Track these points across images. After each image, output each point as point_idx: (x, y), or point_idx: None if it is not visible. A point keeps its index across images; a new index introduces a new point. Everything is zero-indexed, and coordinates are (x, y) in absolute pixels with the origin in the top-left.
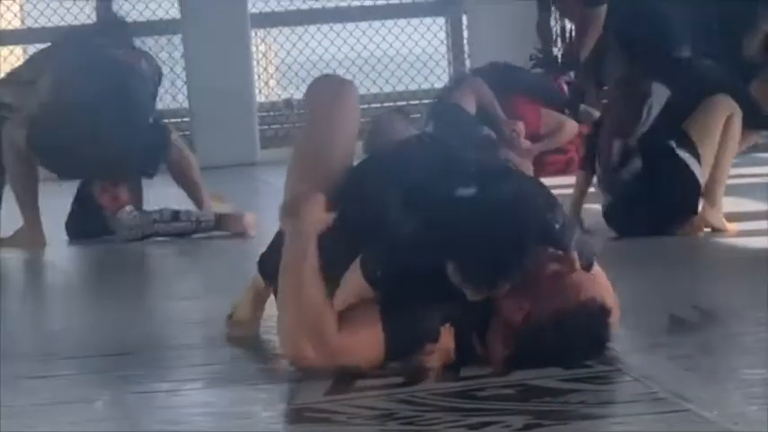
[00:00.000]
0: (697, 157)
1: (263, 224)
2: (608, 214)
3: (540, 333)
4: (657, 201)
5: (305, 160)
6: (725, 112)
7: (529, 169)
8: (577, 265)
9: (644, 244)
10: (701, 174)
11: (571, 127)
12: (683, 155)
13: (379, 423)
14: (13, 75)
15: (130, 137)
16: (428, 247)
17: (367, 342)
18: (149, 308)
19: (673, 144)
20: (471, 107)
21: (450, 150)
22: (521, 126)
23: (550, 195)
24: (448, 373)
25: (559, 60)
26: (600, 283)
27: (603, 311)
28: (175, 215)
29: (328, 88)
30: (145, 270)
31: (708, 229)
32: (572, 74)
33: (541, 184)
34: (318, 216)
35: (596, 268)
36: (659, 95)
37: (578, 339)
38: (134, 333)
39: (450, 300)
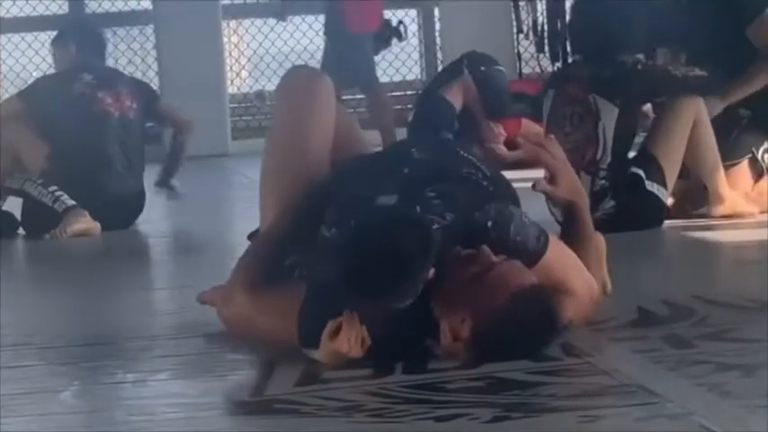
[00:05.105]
0: (664, 183)
1: (235, 214)
2: None
3: (488, 334)
4: (624, 230)
5: (281, 154)
6: (689, 118)
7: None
8: (494, 258)
9: (625, 238)
10: (666, 196)
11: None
12: (652, 186)
13: (347, 415)
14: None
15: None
16: (337, 252)
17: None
18: (118, 298)
19: (642, 175)
20: (458, 103)
21: (395, 156)
22: (501, 131)
23: (482, 192)
24: (413, 365)
25: None
26: (547, 266)
27: (540, 294)
28: None
29: (302, 80)
30: (115, 260)
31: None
32: None
33: (472, 181)
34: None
35: (555, 248)
36: (607, 113)
37: (525, 327)
38: (103, 323)
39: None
